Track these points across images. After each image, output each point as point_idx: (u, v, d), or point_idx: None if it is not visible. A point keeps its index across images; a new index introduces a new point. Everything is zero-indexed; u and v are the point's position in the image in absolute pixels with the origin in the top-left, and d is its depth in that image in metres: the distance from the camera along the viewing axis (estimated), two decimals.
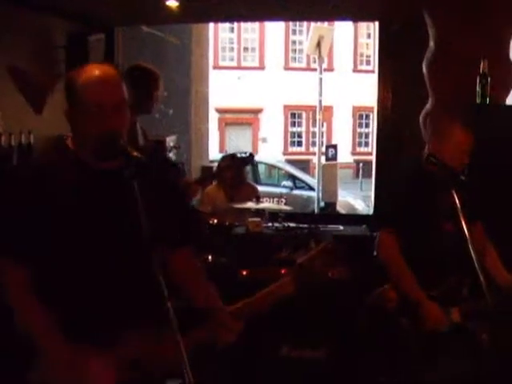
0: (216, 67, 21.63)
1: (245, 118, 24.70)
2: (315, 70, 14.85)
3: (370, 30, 22.82)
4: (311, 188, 13.88)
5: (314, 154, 16.21)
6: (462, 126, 3.26)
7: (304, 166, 20.17)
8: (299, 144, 25.11)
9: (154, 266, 1.96)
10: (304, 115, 24.76)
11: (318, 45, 13.21)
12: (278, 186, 14.31)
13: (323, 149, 13.68)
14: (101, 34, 6.04)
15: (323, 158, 13.35)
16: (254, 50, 24.66)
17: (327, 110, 19.64)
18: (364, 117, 24.80)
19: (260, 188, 6.71)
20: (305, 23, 21.61)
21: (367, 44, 24.39)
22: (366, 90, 16.39)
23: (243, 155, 3.93)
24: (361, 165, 21.65)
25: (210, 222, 4.68)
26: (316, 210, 12.41)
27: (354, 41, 24.76)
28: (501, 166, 3.93)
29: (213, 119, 17.90)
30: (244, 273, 4.48)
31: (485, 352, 3.14)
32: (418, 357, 3.16)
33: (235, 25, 23.17)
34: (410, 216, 3.20)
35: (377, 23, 6.13)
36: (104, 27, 6.06)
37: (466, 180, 3.00)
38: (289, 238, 5.00)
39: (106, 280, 2.18)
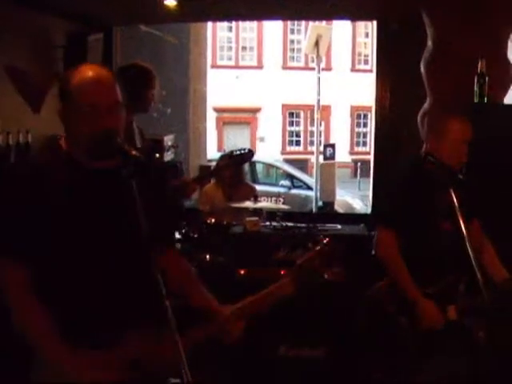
0: (214, 66, 21.63)
1: (243, 117, 24.69)
2: (313, 69, 14.85)
3: (368, 30, 22.80)
4: (309, 187, 13.90)
5: (312, 153, 16.24)
6: (460, 125, 3.26)
7: (302, 165, 20.19)
8: (297, 143, 25.11)
9: (153, 265, 1.96)
10: (302, 114, 24.76)
11: (316, 44, 13.23)
12: (276, 185, 14.34)
13: (321, 148, 13.68)
14: (99, 33, 6.04)
15: (321, 158, 13.35)
16: (252, 49, 24.66)
17: (325, 110, 19.64)
18: (362, 116, 24.79)
19: (258, 187, 6.71)
20: (303, 22, 21.62)
21: (365, 43, 24.38)
22: (364, 89, 16.37)
23: (242, 152, 3.89)
24: (359, 164, 21.66)
25: (208, 221, 4.68)
26: (314, 210, 12.42)
27: (352, 40, 24.75)
28: (499, 166, 3.94)
29: (211, 118, 17.93)
30: (242, 272, 4.49)
31: (481, 349, 3.14)
32: (415, 355, 3.16)
33: (233, 24, 23.16)
34: (407, 214, 3.21)
35: (375, 22, 6.13)
36: (102, 27, 6.05)
37: (464, 179, 3.01)
38: (287, 237, 5.00)
39: (104, 280, 2.17)
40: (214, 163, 5.49)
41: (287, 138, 25.07)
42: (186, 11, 5.64)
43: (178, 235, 4.55)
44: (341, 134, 23.69)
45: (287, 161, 18.34)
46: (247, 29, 24.31)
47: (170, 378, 2.20)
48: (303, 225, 5.32)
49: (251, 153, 3.91)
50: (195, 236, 4.54)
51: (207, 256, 4.45)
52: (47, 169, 2.18)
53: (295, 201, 13.25)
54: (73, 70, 2.18)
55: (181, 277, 2.48)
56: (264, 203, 5.84)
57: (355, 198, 14.55)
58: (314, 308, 4.39)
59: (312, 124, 18.79)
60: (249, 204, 5.16)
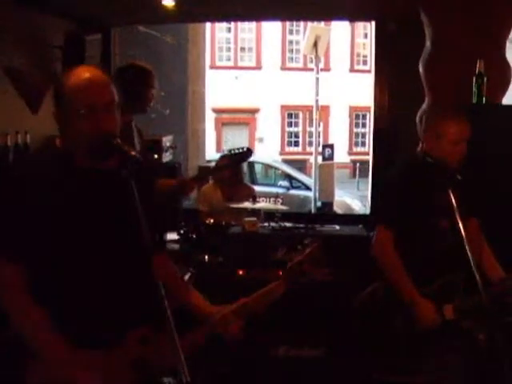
0: (213, 67, 21.66)
1: (241, 117, 24.69)
2: (312, 69, 14.85)
3: (367, 30, 22.80)
4: (308, 188, 13.89)
5: (310, 153, 16.21)
6: (457, 126, 3.25)
7: (301, 165, 20.20)
8: (296, 144, 25.11)
9: (151, 267, 1.96)
10: (301, 115, 24.77)
11: (315, 45, 13.23)
12: (274, 185, 14.33)
13: (320, 149, 13.67)
14: (97, 33, 6.04)
15: (320, 158, 13.35)
16: (250, 49, 24.67)
17: (324, 110, 19.63)
18: (361, 117, 24.81)
19: (256, 188, 6.71)
20: (301, 23, 21.63)
21: (364, 44, 24.38)
22: (362, 89, 16.43)
23: (240, 150, 3.87)
24: (357, 164, 21.66)
25: (207, 221, 4.69)
26: (313, 210, 12.42)
27: (350, 41, 24.77)
28: (497, 166, 3.94)
29: (209, 119, 17.94)
30: (240, 272, 4.49)
31: (481, 350, 3.13)
32: (413, 355, 3.16)
33: (232, 24, 23.17)
34: (405, 214, 3.20)
35: (373, 23, 6.13)
36: (100, 27, 6.05)
37: (462, 179, 3.00)
38: (285, 237, 5.00)
39: (103, 280, 2.17)
40: (212, 164, 5.49)
41: (286, 139, 25.07)
42: (185, 12, 5.64)
43: (176, 235, 4.56)
44: (339, 135, 23.69)
45: (286, 161, 18.34)
46: (246, 29, 24.32)
47: (164, 377, 2.20)
48: (302, 225, 5.32)
49: (250, 151, 3.88)
50: (194, 236, 4.55)
51: (206, 256, 4.46)
52: (44, 169, 2.18)
53: (294, 201, 13.25)
54: (67, 73, 2.19)
55: (168, 279, 2.48)
56: (262, 204, 5.84)
57: (354, 198, 14.55)
58: (313, 308, 4.39)
59: (311, 124, 18.79)
60: (247, 204, 5.16)
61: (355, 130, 25.30)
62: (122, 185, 2.04)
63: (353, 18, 8.89)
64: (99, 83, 2.17)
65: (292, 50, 24.70)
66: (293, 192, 14.08)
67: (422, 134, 3.46)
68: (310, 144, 19.31)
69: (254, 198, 5.25)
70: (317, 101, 13.65)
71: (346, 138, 24.86)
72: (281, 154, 23.81)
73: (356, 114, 24.95)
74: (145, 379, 2.17)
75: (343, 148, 23.49)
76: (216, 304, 2.52)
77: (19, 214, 2.11)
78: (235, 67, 24.39)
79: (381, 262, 3.28)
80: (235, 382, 4.09)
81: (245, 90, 23.35)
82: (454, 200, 2.82)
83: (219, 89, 20.19)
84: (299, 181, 14.63)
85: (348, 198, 14.19)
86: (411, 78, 4.86)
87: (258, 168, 15.13)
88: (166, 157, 6.06)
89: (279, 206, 6.87)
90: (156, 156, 5.74)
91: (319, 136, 14.42)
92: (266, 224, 5.25)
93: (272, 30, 23.89)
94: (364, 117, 24.11)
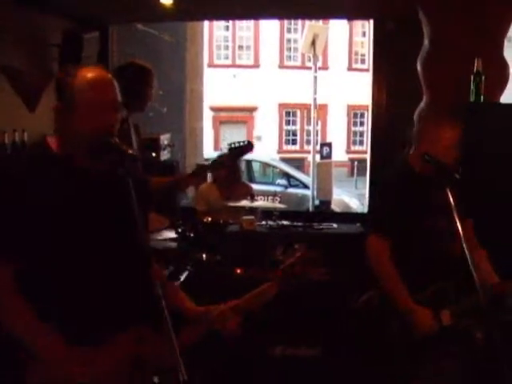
0: (211, 65, 21.62)
1: (239, 116, 24.69)
2: (310, 68, 14.87)
3: (366, 29, 22.79)
4: (306, 186, 13.89)
5: (308, 152, 16.24)
6: (452, 132, 3.24)
7: (299, 164, 20.20)
8: (294, 142, 25.11)
9: (150, 266, 1.97)
10: (299, 113, 24.77)
11: (313, 43, 13.23)
12: (272, 184, 14.33)
13: (318, 147, 13.68)
14: (95, 32, 6.03)
15: (318, 157, 13.36)
16: (248, 48, 24.66)
17: (322, 109, 19.65)
18: (359, 115, 24.82)
19: (254, 186, 6.71)
20: (299, 21, 21.62)
21: (362, 42, 24.38)
22: (360, 88, 16.38)
23: (241, 144, 3.81)
24: (355, 163, 21.68)
25: (205, 220, 4.68)
26: (310, 209, 12.42)
27: (349, 39, 24.77)
28: (494, 165, 3.94)
29: (207, 117, 17.91)
30: (238, 271, 4.49)
31: (478, 353, 3.11)
32: (411, 362, 3.14)
33: (230, 23, 23.14)
34: (403, 214, 3.18)
35: (371, 22, 6.13)
36: (98, 25, 6.04)
37: (460, 178, 3.00)
38: (283, 236, 5.00)
39: (101, 279, 2.17)
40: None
41: (284, 137, 25.08)
42: (183, 10, 5.64)
43: (174, 234, 4.55)
44: (337, 133, 23.71)
45: (284, 160, 18.34)
46: (244, 28, 24.30)
47: (156, 375, 2.20)
48: (300, 224, 5.32)
49: (250, 144, 3.83)
50: (191, 235, 4.54)
51: (203, 255, 4.45)
52: (36, 168, 2.18)
53: (292, 200, 13.25)
54: (72, 71, 2.20)
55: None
56: (260, 202, 5.84)
57: (352, 197, 14.55)
58: (310, 307, 4.39)
59: (308, 123, 18.81)
60: (245, 203, 5.16)
61: (353, 128, 25.32)
62: (119, 184, 2.04)
63: (351, 16, 8.90)
64: (106, 81, 2.20)
65: (290, 49, 24.70)
66: (291, 190, 14.08)
67: (416, 135, 3.46)
68: (308, 142, 19.32)
69: (251, 196, 5.25)
70: (315, 99, 13.65)
71: (343, 137, 24.87)
72: (279, 152, 23.81)
73: (354, 113, 24.97)
74: (139, 378, 2.17)
75: (341, 146, 23.48)
76: (214, 302, 2.52)
77: (10, 212, 2.11)
78: (233, 65, 24.38)
79: (376, 271, 3.24)
80: (232, 381, 4.09)
81: (243, 88, 23.34)
82: (452, 199, 2.82)
83: (217, 87, 20.17)
84: (297, 179, 14.63)
85: (346, 197, 14.20)
86: (409, 77, 4.86)
87: (255, 166, 15.13)
88: (164, 155, 6.05)
89: (277, 205, 6.88)
90: (154, 154, 5.74)
91: (317, 134, 14.44)
92: (264, 222, 5.25)
93: (270, 28, 23.88)
94: (362, 115, 24.12)
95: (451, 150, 3.22)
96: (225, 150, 3.95)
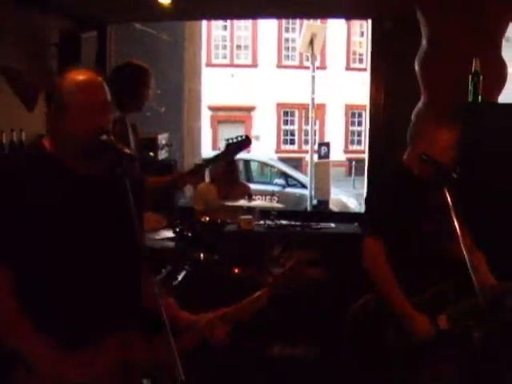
0: (209, 65, 21.61)
1: (237, 115, 24.69)
2: (308, 67, 14.86)
3: (364, 28, 22.79)
4: (304, 186, 13.90)
5: (306, 151, 16.24)
6: (449, 134, 3.23)
7: (296, 163, 20.22)
8: (292, 142, 25.11)
9: (145, 267, 1.96)
10: (297, 113, 24.77)
11: (311, 43, 13.24)
12: (270, 183, 14.34)
13: (316, 147, 13.69)
14: (93, 31, 6.02)
15: (316, 156, 13.37)
16: (246, 47, 24.66)
17: (320, 108, 19.64)
18: (356, 115, 24.81)
19: (252, 186, 6.71)
20: (298, 21, 21.63)
21: (360, 42, 24.39)
22: (358, 88, 16.37)
23: (238, 138, 3.78)
24: (353, 163, 21.70)
25: (202, 219, 4.67)
26: (308, 208, 12.43)
27: (346, 39, 24.78)
28: (492, 164, 3.94)
29: (205, 117, 17.90)
30: (236, 270, 4.48)
31: (475, 355, 3.10)
32: (405, 367, 3.13)
33: (228, 22, 23.15)
34: (400, 214, 3.17)
35: (370, 21, 6.13)
36: (96, 24, 6.03)
37: (458, 178, 3.00)
38: (281, 235, 5.00)
39: (95, 281, 2.17)
40: None
41: (282, 137, 25.08)
42: (181, 9, 5.63)
43: (172, 233, 4.55)
44: (335, 133, 23.72)
45: (282, 159, 18.36)
46: (242, 27, 24.29)
47: (144, 378, 2.20)
48: (298, 223, 5.32)
49: (248, 139, 3.79)
50: (189, 234, 4.53)
51: (201, 254, 4.44)
52: (34, 168, 2.17)
53: (290, 199, 13.26)
54: (61, 75, 2.21)
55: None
56: (258, 202, 5.84)
57: (350, 196, 14.57)
58: (308, 307, 4.39)
59: (306, 123, 18.78)
60: (243, 202, 5.15)
61: (351, 128, 25.31)
62: (115, 184, 2.04)
63: (349, 16, 8.90)
64: (95, 83, 2.19)
65: (288, 48, 24.70)
66: (288, 190, 14.10)
67: (414, 135, 3.46)
68: (306, 142, 19.30)
69: (249, 196, 5.25)
70: (313, 99, 13.66)
71: (341, 136, 24.88)
72: (277, 152, 23.82)
73: (352, 113, 24.96)
74: (129, 380, 2.17)
75: (339, 146, 23.50)
76: (212, 302, 2.52)
77: (10, 213, 2.09)
78: (231, 65, 24.38)
79: (373, 275, 3.21)
80: (230, 382, 4.08)
81: (241, 87, 23.34)
82: (449, 199, 2.82)
83: (215, 87, 20.16)
84: (295, 179, 14.64)
85: (344, 196, 14.21)
86: (407, 77, 4.86)
87: (253, 166, 15.15)
88: (162, 154, 6.05)
89: (275, 204, 6.89)
90: (152, 154, 5.74)
91: (315, 134, 14.46)
92: (262, 222, 5.25)
93: (268, 27, 23.86)
94: (360, 115, 24.11)
95: (449, 152, 3.21)
96: (223, 150, 3.93)
